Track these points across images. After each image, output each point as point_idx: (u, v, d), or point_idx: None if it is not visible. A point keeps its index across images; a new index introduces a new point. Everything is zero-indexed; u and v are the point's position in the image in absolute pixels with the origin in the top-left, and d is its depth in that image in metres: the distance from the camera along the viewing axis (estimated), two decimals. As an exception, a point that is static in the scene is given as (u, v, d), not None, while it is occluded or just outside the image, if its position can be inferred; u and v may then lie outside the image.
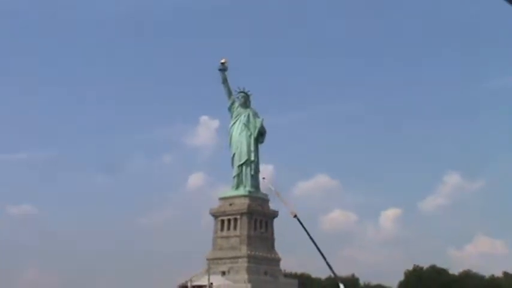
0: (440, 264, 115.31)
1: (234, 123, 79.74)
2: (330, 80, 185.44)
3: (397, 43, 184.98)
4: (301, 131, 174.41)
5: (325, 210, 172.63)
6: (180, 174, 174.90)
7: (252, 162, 78.50)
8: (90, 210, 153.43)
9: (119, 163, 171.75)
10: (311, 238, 27.53)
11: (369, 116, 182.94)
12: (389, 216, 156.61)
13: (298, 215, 28.50)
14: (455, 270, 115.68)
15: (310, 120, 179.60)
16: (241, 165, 78.46)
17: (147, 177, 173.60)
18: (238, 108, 79.95)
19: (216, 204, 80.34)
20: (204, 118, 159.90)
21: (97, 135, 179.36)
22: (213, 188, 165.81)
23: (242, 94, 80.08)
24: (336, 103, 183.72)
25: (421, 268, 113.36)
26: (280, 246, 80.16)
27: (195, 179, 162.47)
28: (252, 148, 78.70)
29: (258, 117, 79.81)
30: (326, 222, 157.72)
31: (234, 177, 79.03)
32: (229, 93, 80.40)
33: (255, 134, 78.77)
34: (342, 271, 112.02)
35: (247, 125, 78.92)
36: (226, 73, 79.19)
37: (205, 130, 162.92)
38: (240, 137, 78.85)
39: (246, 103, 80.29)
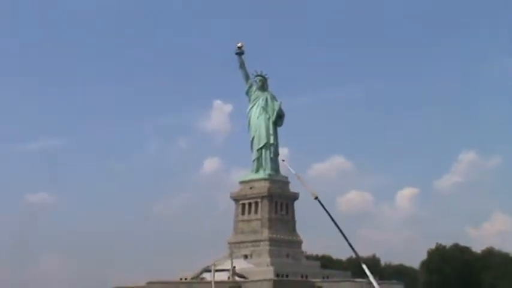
0: (461, 242, 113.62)
1: (252, 106, 79.63)
2: (346, 62, 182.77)
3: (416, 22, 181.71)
4: (315, 112, 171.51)
5: (341, 191, 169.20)
6: (195, 158, 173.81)
7: (271, 145, 78.38)
8: (106, 197, 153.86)
9: (133, 149, 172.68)
10: (333, 220, 26.99)
11: (383, 97, 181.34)
12: (405, 195, 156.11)
13: (319, 197, 28.07)
14: (475, 248, 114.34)
15: (324, 102, 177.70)
16: (261, 148, 78.39)
17: (163, 162, 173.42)
18: (256, 92, 79.77)
19: (236, 188, 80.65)
20: (217, 102, 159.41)
21: (111, 121, 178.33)
22: (228, 173, 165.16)
23: (259, 78, 79.86)
24: (351, 84, 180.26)
25: (444, 247, 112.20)
26: (301, 228, 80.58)
27: (211, 164, 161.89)
28: (271, 131, 78.52)
29: (276, 100, 79.55)
30: (343, 203, 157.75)
31: (254, 160, 79.05)
32: (247, 77, 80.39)
33: (273, 117, 78.54)
34: (362, 252, 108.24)
35: (265, 108, 78.71)
36: (243, 57, 79.10)
37: (219, 114, 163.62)
38: (258, 120, 78.69)
39: (263, 86, 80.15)
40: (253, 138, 79.05)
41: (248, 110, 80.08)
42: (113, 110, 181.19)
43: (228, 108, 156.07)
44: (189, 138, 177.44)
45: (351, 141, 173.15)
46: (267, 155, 78.64)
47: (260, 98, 79.72)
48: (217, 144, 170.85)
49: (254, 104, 79.90)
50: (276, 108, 78.82)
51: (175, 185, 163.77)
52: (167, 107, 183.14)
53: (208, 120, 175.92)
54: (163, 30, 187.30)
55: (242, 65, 79.78)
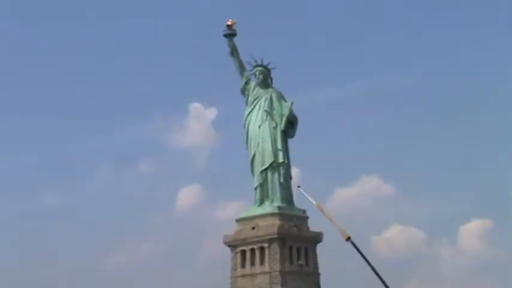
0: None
1: (252, 110, 55.50)
2: (380, 46, 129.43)
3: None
4: (336, 115, 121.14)
5: (378, 226, 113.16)
6: (165, 187, 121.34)
7: (280, 165, 54.37)
8: (37, 245, 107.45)
9: (73, 178, 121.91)
10: (373, 269, 23.49)
11: (435, 94, 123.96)
12: (473, 231, 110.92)
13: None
14: None
15: (348, 100, 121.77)
16: (266, 170, 54.33)
17: (116, 195, 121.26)
18: (256, 89, 55.93)
19: (230, 229, 56.16)
20: (195, 106, 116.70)
21: (46, 141, 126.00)
22: (213, 207, 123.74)
23: (260, 69, 55.87)
24: (387, 75, 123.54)
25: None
26: (328, 282, 56.35)
27: (188, 194, 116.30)
28: (280, 145, 54.62)
29: (285, 101, 56.00)
30: (381, 244, 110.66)
31: (256, 188, 54.92)
32: (241, 69, 56.38)
33: (282, 125, 54.56)
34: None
35: (270, 112, 54.93)
36: (234, 40, 55.62)
37: (198, 123, 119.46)
38: (261, 130, 54.71)
39: (266, 81, 56.02)
40: (253, 156, 54.93)
41: (245, 115, 55.60)
42: (46, 126, 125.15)
43: (211, 113, 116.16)
44: (155, 159, 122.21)
45: (389, 155, 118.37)
46: (274, 179, 54.59)
47: (262, 98, 55.47)
48: (196, 165, 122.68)
49: (254, 107, 55.41)
50: (286, 112, 54.79)
51: (135, 228, 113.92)
52: (122, 117, 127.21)
53: (182, 132, 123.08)
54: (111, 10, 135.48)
55: (234, 51, 55.76)
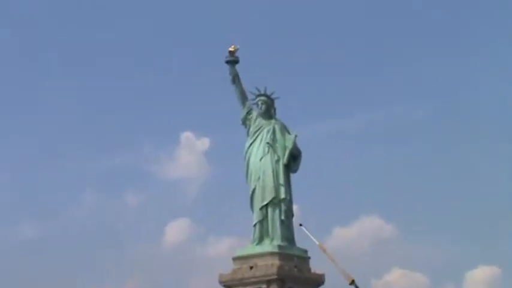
0: None
1: (253, 142, 52.21)
2: (382, 78, 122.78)
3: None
4: (336, 149, 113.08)
5: (379, 269, 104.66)
6: (152, 222, 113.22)
7: (282, 201, 50.77)
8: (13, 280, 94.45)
9: (53, 209, 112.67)
10: None
11: (442, 123, 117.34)
12: (479, 278, 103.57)
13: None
14: None
15: (349, 134, 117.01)
16: (266, 206, 50.96)
17: (99, 227, 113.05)
18: (258, 120, 52.64)
19: (226, 268, 52.07)
20: (186, 136, 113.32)
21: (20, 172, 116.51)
22: (204, 243, 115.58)
23: (263, 99, 52.71)
24: (391, 106, 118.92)
25: None
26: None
27: (177, 229, 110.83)
28: (282, 180, 51.09)
29: (289, 133, 52.82)
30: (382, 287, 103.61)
31: (255, 225, 51.36)
32: (243, 98, 53.19)
33: (285, 158, 51.18)
34: None
35: (272, 145, 51.63)
36: (236, 67, 52.60)
37: (189, 154, 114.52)
38: (262, 163, 51.21)
39: (269, 112, 52.79)
40: (253, 191, 51.33)
41: (246, 147, 52.47)
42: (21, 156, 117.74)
43: (204, 144, 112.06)
44: (142, 190, 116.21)
45: (391, 194, 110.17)
46: (275, 216, 50.99)
47: (264, 130, 52.09)
48: (186, 198, 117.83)
49: (255, 139, 52.08)
50: (290, 144, 51.17)
51: (117, 265, 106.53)
52: (108, 144, 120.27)
53: (172, 163, 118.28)
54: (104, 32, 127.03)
55: (236, 79, 52.53)
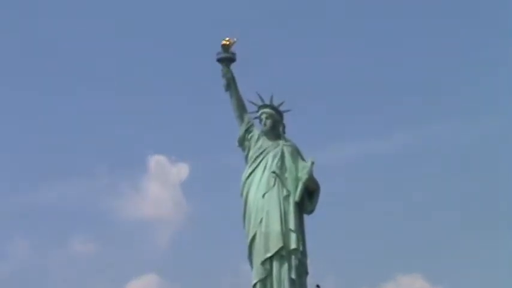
0: None
1: (253, 171, 37.67)
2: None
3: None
4: (361, 182, 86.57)
5: None
6: (107, 278, 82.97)
7: (292, 253, 36.22)
8: None
9: None
10: None
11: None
12: None
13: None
14: None
15: (383, 159, 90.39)
16: (270, 259, 36.62)
17: (37, 283, 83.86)
18: (261, 141, 38.15)
19: None
20: (157, 161, 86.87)
21: None
22: None
23: (268, 111, 38.18)
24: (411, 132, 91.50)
25: None
26: None
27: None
28: (292, 224, 36.67)
29: (303, 159, 38.61)
30: None
31: (255, 285, 37.04)
32: (241, 110, 38.98)
33: (297, 194, 36.75)
34: None
35: (280, 175, 37.32)
36: (231, 69, 38.39)
37: (160, 185, 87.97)
38: (266, 200, 36.60)
39: (276, 130, 38.56)
40: (253, 239, 36.51)
41: (244, 178, 38.11)
42: None
43: (181, 172, 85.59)
44: (95, 234, 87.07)
45: (430, 240, 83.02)
46: (283, 273, 36.17)
47: (270, 154, 37.68)
48: (155, 247, 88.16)
49: (257, 166, 37.67)
50: (304, 175, 36.95)
51: None
52: (49, 172, 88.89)
53: (137, 198, 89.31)
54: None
55: (231, 84, 38.40)
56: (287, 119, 39.31)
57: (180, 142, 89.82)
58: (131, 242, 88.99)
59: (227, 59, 38.42)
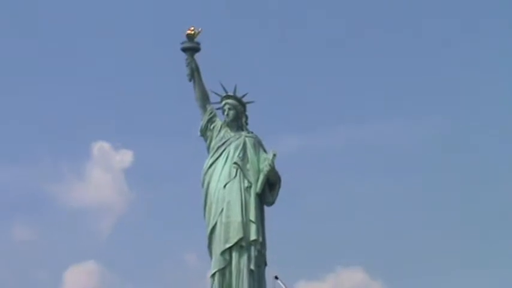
0: None
1: (215, 161, 37.90)
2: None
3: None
4: (314, 172, 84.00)
5: None
6: (45, 265, 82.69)
7: (252, 244, 36.44)
8: None
9: None
10: None
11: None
12: None
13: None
14: None
15: (332, 153, 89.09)
16: (230, 250, 36.64)
17: None
18: (224, 132, 38.35)
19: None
20: (100, 147, 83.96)
21: None
22: None
23: (231, 102, 38.30)
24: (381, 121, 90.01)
25: None
26: None
27: (78, 277, 78.17)
28: (253, 215, 36.69)
29: (265, 151, 38.85)
30: None
31: (214, 275, 36.75)
32: (204, 99, 38.81)
33: (258, 185, 37.06)
34: None
35: (241, 166, 37.52)
36: (195, 59, 38.15)
37: (103, 172, 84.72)
38: (227, 191, 36.92)
39: (238, 121, 38.71)
40: (213, 229, 36.78)
41: (205, 168, 38.12)
42: None
43: (124, 159, 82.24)
44: (34, 221, 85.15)
45: (380, 241, 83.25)
46: (242, 264, 36.37)
47: (231, 145, 37.76)
48: (96, 234, 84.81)
49: (219, 157, 37.78)
50: (266, 166, 37.15)
51: None
52: None
53: (79, 185, 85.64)
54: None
55: (195, 75, 38.22)
56: (250, 110, 39.23)
57: (124, 129, 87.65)
58: (72, 229, 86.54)
59: (192, 48, 38.28)
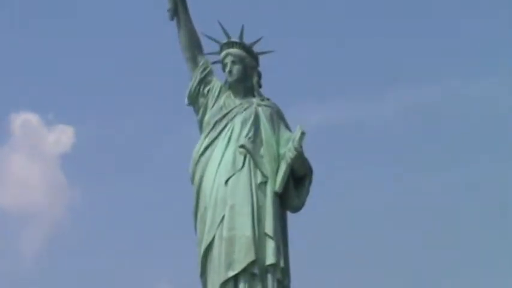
0: None
1: (212, 143, 24.56)
2: None
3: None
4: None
5: None
6: None
7: (270, 270, 23.95)
8: None
9: None
10: None
11: None
12: None
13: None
14: None
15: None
16: (235, 280, 23.77)
17: None
18: (224, 97, 24.95)
19: None
20: (25, 121, 61.15)
21: None
22: None
23: (236, 52, 24.95)
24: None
25: None
26: None
27: None
28: (270, 226, 23.91)
29: (288, 127, 25.71)
30: None
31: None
32: (193, 48, 25.27)
33: (278, 182, 24.09)
34: None
35: (252, 152, 24.62)
36: None
37: (30, 157, 61.71)
38: (229, 188, 23.65)
39: (247, 80, 25.32)
40: (208, 247, 23.62)
41: (197, 154, 24.79)
42: None
43: (63, 138, 59.65)
44: None
45: None
46: None
47: (237, 119, 24.56)
48: (23, 255, 63.14)
49: (217, 136, 24.56)
50: (290, 151, 23.76)
51: None
52: None
53: None
54: None
55: (179, 8, 24.67)
56: (264, 64, 26.05)
57: (61, 97, 60.90)
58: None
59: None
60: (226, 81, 25.74)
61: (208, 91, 25.52)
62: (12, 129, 61.36)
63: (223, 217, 24.12)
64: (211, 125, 25.11)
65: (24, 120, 61.19)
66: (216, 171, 24.51)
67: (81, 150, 59.41)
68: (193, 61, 25.57)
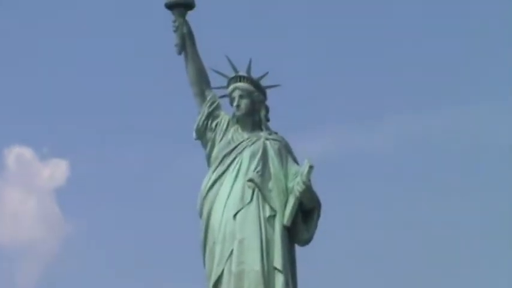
0: None
1: (220, 178, 24.47)
2: None
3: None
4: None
5: None
6: None
7: None
8: None
9: None
10: None
11: None
12: None
13: None
14: None
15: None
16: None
17: None
18: (232, 131, 24.94)
19: None
20: (19, 154, 60.41)
21: None
22: None
23: (244, 87, 25.01)
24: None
25: None
26: None
27: None
28: (280, 261, 23.58)
29: (296, 161, 25.61)
30: None
31: None
32: (200, 82, 25.34)
33: (287, 216, 24.04)
34: None
35: (261, 186, 24.62)
36: (187, 20, 25.27)
37: (24, 191, 61.19)
38: (238, 223, 23.41)
39: (255, 114, 25.32)
40: (217, 282, 23.47)
41: (204, 188, 24.75)
42: None
43: (57, 172, 59.09)
44: None
45: None
46: None
47: (245, 153, 24.69)
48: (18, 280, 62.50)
49: (225, 171, 24.56)
50: (299, 185, 23.76)
51: None
52: None
53: None
54: None
55: (187, 42, 24.82)
56: (272, 98, 26.08)
57: (54, 131, 60.64)
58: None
59: (181, 4, 25.26)
60: (234, 115, 25.73)
61: (216, 125, 25.55)
62: (6, 164, 60.99)
63: (232, 251, 24.05)
64: (220, 159, 25.11)
65: (18, 154, 60.94)
66: (225, 206, 24.47)
67: (76, 183, 58.41)
68: (201, 96, 25.64)
